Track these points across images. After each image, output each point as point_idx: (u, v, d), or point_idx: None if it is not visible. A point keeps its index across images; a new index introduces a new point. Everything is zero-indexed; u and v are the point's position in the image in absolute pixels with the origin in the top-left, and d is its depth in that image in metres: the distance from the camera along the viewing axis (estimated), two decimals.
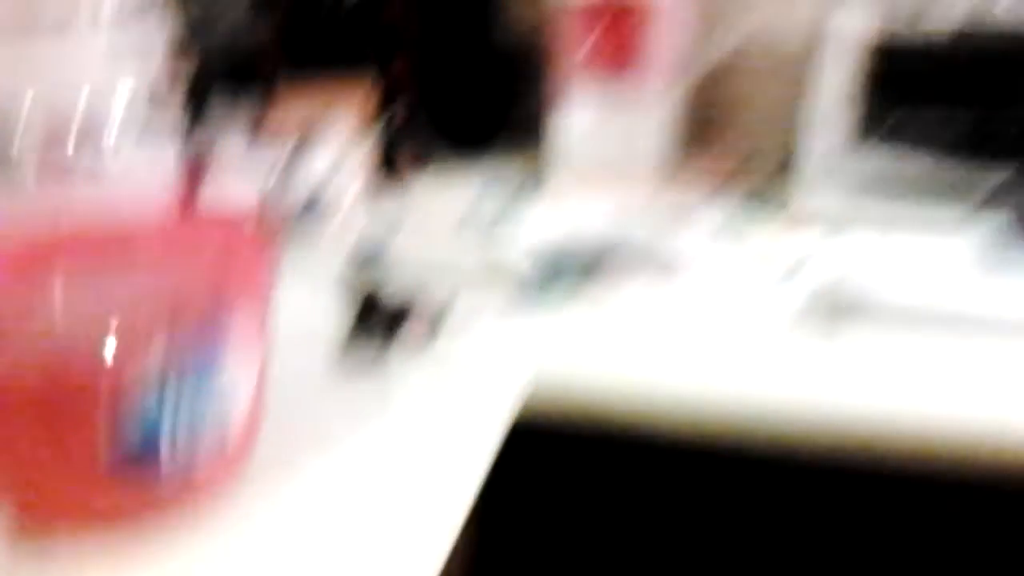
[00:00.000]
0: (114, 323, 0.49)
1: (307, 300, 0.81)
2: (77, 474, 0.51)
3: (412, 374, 0.71)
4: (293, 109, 0.91)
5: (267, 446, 0.60)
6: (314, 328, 0.76)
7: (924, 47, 1.00)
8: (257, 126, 0.88)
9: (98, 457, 0.50)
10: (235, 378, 0.55)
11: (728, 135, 1.29)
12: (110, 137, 0.76)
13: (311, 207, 0.89)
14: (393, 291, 0.78)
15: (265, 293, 0.59)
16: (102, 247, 0.63)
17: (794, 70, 1.23)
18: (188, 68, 0.85)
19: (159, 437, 0.51)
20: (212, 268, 0.61)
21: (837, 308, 0.82)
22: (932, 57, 1.00)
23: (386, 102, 0.96)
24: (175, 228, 0.67)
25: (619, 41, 1.12)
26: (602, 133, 1.16)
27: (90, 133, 0.75)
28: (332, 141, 0.89)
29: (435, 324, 0.76)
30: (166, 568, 0.51)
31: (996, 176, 0.98)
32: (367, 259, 0.85)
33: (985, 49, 0.99)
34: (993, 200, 0.98)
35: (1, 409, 0.49)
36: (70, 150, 0.73)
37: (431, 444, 0.63)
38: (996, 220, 0.98)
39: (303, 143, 0.88)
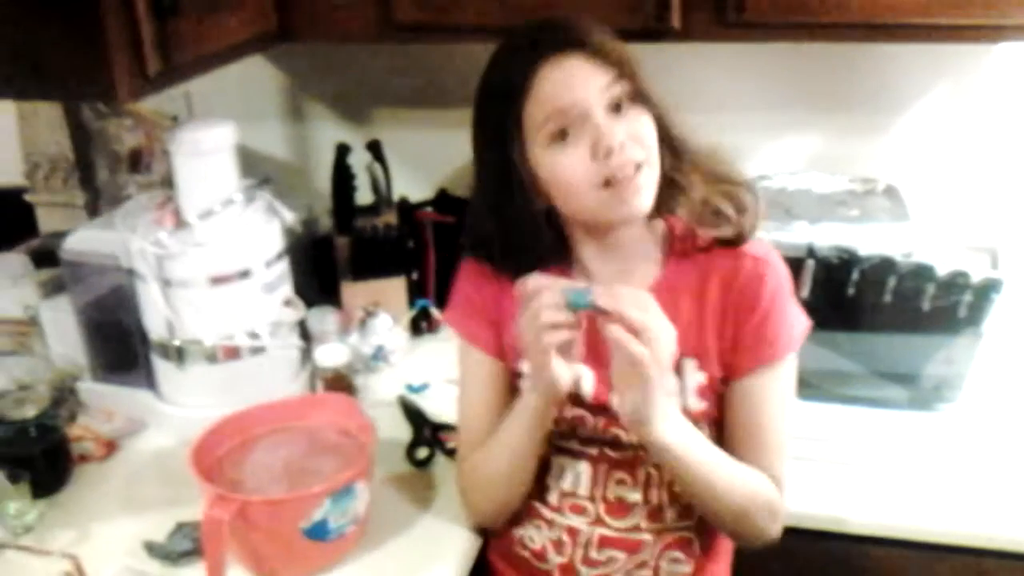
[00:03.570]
0: (302, 471, 1.00)
1: (383, 418, 1.31)
2: (287, 548, 1.02)
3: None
4: (359, 297, 1.46)
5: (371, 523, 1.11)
6: (387, 437, 1.25)
7: None
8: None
9: (298, 538, 1.01)
10: (361, 489, 1.05)
11: None
12: None
13: (376, 356, 1.41)
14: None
15: (369, 429, 1.09)
16: (271, 418, 1.14)
17: None
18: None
19: (328, 524, 1.02)
20: (341, 419, 1.12)
21: None
22: None
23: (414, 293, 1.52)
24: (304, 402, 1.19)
25: None
26: None
27: None
28: (385, 315, 1.42)
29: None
30: None
31: None
32: (412, 389, 1.36)
33: None
34: None
35: (246, 524, 1.00)
36: None
37: None
38: None
39: (369, 317, 1.42)
